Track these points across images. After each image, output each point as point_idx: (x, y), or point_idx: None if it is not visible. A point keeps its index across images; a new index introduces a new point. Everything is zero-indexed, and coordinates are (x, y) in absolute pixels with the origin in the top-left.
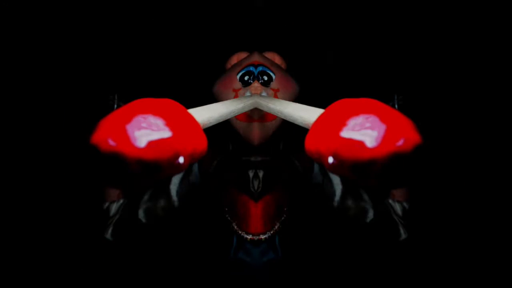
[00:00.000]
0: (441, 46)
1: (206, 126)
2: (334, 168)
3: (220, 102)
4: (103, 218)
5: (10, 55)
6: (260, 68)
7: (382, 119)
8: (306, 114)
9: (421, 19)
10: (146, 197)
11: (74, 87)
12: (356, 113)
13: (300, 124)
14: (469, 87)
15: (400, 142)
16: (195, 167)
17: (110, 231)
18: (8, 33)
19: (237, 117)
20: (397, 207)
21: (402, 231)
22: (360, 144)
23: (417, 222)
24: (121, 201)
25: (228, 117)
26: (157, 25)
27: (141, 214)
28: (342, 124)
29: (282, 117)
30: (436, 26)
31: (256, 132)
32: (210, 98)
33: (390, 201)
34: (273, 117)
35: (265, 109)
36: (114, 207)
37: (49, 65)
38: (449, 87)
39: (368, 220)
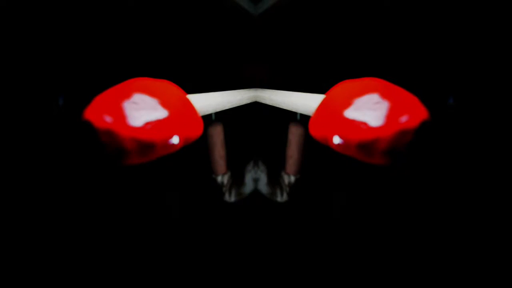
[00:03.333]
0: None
1: (203, 114)
2: (340, 148)
3: (219, 92)
4: (217, 188)
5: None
6: None
7: (385, 97)
8: (308, 101)
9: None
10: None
11: (68, 67)
12: (359, 93)
13: (303, 113)
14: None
15: (404, 119)
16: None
17: (230, 195)
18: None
19: None
20: (285, 178)
21: (280, 195)
22: (365, 124)
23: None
24: (229, 172)
25: (225, 108)
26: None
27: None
28: (346, 104)
29: (285, 108)
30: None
31: None
32: (212, 86)
33: (283, 173)
34: None
35: (267, 101)
36: (226, 178)
37: (50, 58)
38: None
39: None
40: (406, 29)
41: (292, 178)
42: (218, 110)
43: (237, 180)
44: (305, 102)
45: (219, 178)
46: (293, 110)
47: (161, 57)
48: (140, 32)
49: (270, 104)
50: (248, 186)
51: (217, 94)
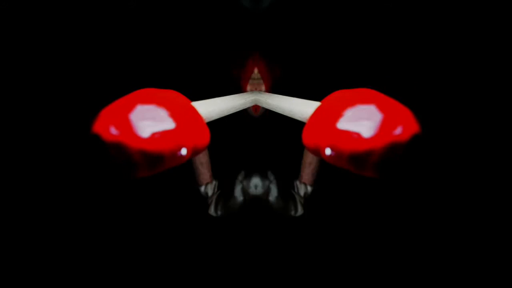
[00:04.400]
0: (437, 40)
1: (209, 120)
2: (332, 160)
3: (223, 97)
4: (201, 199)
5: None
6: None
7: (379, 109)
8: (304, 108)
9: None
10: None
11: (74, 78)
12: (352, 103)
13: (299, 119)
14: (467, 81)
15: (397, 131)
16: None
17: (216, 208)
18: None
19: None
20: (301, 188)
21: (299, 208)
22: (357, 135)
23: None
24: (214, 182)
25: (230, 112)
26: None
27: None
28: (338, 115)
29: (281, 112)
30: (433, 22)
31: None
32: (213, 92)
33: (297, 182)
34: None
35: (264, 105)
36: (210, 188)
37: (51, 59)
38: (448, 81)
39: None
40: (409, 33)
41: (309, 189)
42: (222, 115)
43: (226, 191)
44: (301, 109)
45: (202, 189)
46: (290, 115)
47: (157, 59)
48: (138, 37)
49: (267, 108)
50: (237, 199)
51: (220, 100)
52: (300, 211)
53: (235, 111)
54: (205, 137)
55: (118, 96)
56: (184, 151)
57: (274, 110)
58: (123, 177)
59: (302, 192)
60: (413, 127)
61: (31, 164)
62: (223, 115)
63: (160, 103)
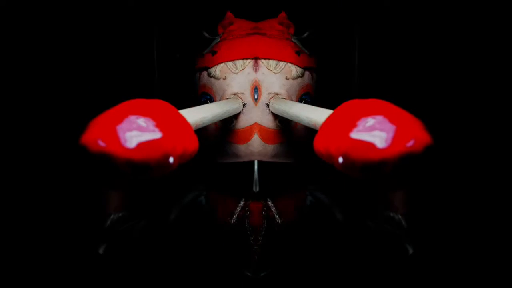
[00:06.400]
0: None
1: (199, 127)
2: (344, 168)
3: (214, 103)
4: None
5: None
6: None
7: (392, 120)
8: (314, 115)
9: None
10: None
11: (63, 87)
12: (366, 114)
13: (307, 125)
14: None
15: (411, 143)
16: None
17: (103, 247)
18: None
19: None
20: (401, 220)
21: (408, 246)
22: (371, 145)
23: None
24: (120, 214)
25: (223, 117)
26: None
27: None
28: (352, 125)
29: (288, 118)
30: (441, 25)
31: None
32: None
33: (392, 214)
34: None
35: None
36: (110, 220)
37: (37, 64)
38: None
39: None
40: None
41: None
42: (215, 121)
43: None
44: (309, 115)
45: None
46: (296, 121)
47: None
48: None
49: (272, 111)
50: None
51: (212, 106)
52: (410, 250)
53: (229, 115)
54: (192, 144)
55: (107, 107)
56: (171, 160)
57: (280, 114)
58: (111, 187)
59: (404, 224)
60: (425, 138)
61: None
62: (217, 120)
63: (146, 113)
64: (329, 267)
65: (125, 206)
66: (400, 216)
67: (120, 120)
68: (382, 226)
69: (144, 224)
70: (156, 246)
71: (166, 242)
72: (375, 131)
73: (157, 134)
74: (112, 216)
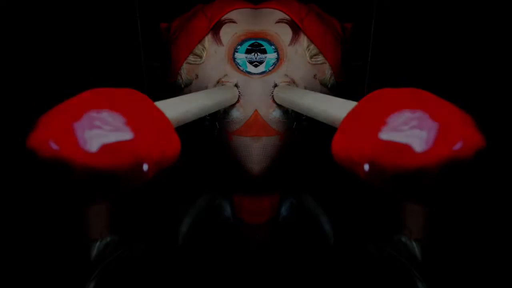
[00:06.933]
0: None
1: (182, 123)
2: (370, 178)
3: (201, 91)
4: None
5: None
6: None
7: (433, 116)
8: (332, 108)
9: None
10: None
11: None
12: (399, 107)
13: (323, 121)
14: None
15: (458, 145)
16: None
17: (92, 286)
18: None
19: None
20: (415, 248)
21: (420, 284)
22: (406, 148)
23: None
24: (108, 239)
25: (212, 111)
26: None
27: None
28: (381, 122)
29: (299, 111)
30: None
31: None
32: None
33: (403, 238)
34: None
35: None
36: (96, 248)
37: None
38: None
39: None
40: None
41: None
42: (202, 115)
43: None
44: (326, 108)
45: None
46: (310, 116)
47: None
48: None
49: (277, 102)
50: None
51: (199, 95)
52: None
53: (221, 107)
54: (173, 147)
55: (60, 99)
56: (145, 167)
57: (288, 107)
58: (67, 203)
59: (418, 253)
60: (477, 140)
61: None
62: (204, 114)
63: (113, 106)
64: None
65: (112, 228)
66: (414, 243)
67: (79, 116)
68: (386, 252)
69: (144, 248)
70: (168, 271)
71: (182, 262)
72: (411, 130)
73: (126, 134)
74: (97, 243)
